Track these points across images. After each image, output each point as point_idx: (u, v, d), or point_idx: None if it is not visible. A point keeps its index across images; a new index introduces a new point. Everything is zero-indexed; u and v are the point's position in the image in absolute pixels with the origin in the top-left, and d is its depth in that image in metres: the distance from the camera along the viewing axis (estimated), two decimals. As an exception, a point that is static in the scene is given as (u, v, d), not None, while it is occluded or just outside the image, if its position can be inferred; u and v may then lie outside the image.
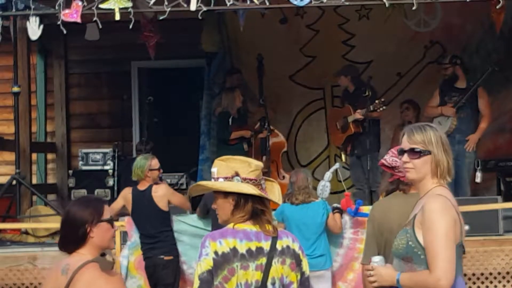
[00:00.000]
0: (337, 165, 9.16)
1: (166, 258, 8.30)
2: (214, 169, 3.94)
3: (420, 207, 3.98)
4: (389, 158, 5.27)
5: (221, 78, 11.70)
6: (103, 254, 3.97)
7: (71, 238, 3.92)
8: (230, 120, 10.66)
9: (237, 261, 3.79)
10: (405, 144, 4.03)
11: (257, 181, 3.90)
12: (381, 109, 10.18)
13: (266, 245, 3.85)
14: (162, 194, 8.42)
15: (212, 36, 11.51)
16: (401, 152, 4.03)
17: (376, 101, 10.12)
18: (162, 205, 8.40)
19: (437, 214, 3.87)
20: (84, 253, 3.91)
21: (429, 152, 3.97)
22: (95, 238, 3.92)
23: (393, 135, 10.89)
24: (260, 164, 3.97)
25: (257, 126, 10.96)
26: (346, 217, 8.49)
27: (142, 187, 8.47)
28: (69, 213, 3.94)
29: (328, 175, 8.78)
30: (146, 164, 8.40)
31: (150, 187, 8.44)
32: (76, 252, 3.92)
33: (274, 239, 3.86)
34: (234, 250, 3.80)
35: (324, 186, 8.71)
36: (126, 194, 8.54)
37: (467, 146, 9.96)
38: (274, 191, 3.99)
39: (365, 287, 5.37)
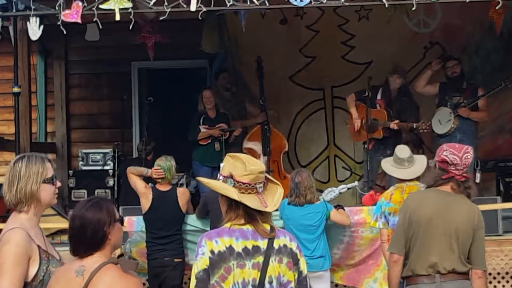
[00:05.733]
0: (355, 183, 9.20)
1: (176, 260, 8.26)
2: (222, 164, 3.95)
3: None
4: (451, 155, 5.30)
5: (222, 78, 11.69)
6: (121, 255, 3.83)
7: (89, 242, 3.72)
8: (201, 120, 10.64)
9: (233, 260, 3.79)
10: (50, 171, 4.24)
11: (250, 185, 3.85)
12: (421, 131, 9.99)
13: (263, 243, 3.84)
14: (187, 198, 8.43)
15: (212, 37, 11.48)
16: (50, 180, 4.19)
17: (422, 123, 9.88)
18: (184, 208, 8.40)
19: None
20: (99, 255, 3.73)
21: None
22: (112, 239, 3.77)
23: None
24: (257, 168, 3.88)
25: (256, 129, 10.97)
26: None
27: (163, 188, 8.39)
28: (84, 217, 3.72)
29: (344, 188, 8.80)
30: (174, 164, 8.41)
31: (174, 189, 8.39)
32: (91, 254, 3.74)
33: (271, 238, 3.86)
34: (230, 248, 3.80)
35: (332, 192, 8.75)
36: (146, 192, 8.38)
37: (462, 112, 10.00)
38: (273, 195, 3.92)
39: (389, 276, 5.39)
